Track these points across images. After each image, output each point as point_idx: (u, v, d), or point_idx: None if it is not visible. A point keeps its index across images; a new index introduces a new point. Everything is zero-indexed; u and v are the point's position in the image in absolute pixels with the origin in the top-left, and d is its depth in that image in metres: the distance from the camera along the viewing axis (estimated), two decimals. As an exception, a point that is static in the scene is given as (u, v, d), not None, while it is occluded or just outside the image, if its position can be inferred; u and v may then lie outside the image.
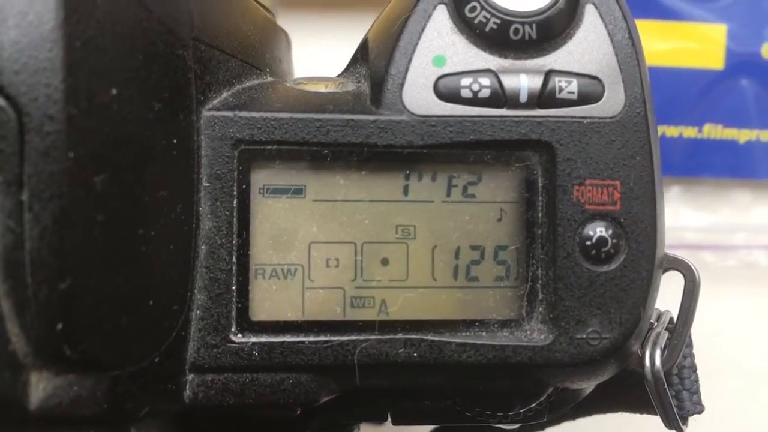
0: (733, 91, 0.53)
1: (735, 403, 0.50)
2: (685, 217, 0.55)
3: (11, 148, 0.18)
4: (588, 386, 0.28)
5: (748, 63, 0.53)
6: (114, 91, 0.20)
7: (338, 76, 0.29)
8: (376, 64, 0.26)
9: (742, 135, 0.53)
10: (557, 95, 0.25)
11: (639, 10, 0.52)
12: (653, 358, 0.27)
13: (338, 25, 0.50)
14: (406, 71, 0.25)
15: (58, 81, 0.19)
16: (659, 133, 0.52)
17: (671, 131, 0.53)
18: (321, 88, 0.27)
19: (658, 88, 0.53)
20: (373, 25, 0.28)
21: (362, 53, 0.28)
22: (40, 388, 0.20)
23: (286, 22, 0.35)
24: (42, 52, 0.19)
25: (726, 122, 0.53)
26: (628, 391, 0.29)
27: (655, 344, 0.27)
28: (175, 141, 0.23)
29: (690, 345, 0.30)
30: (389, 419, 0.28)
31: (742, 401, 0.51)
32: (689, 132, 0.53)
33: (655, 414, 0.28)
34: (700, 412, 0.29)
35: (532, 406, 0.27)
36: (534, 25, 0.25)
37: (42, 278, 0.19)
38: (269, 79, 0.28)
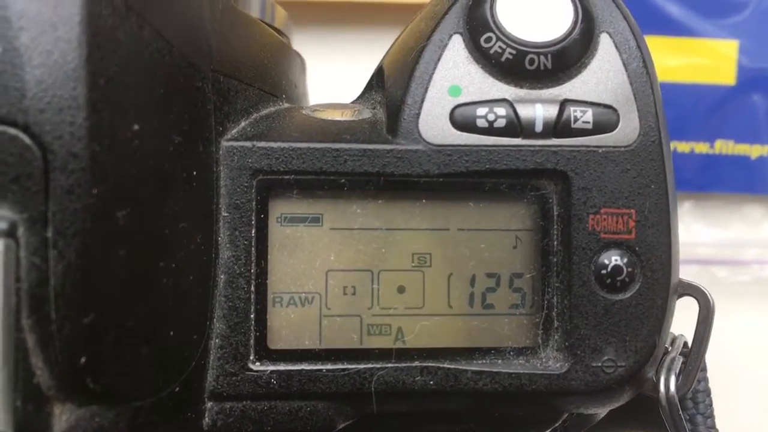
0: (744, 106, 0.53)
1: (748, 417, 0.50)
2: (697, 232, 0.55)
3: (36, 186, 0.19)
4: (603, 412, 0.28)
5: (760, 78, 0.53)
6: (136, 127, 0.21)
7: (353, 102, 0.29)
8: (392, 93, 0.26)
9: (754, 150, 0.53)
10: (572, 125, 0.25)
11: (651, 27, 0.52)
12: (668, 384, 0.27)
13: (351, 42, 0.50)
14: (422, 101, 0.25)
15: (82, 119, 0.19)
16: (671, 149, 0.53)
17: (683, 147, 0.53)
18: (337, 116, 0.27)
19: (670, 104, 0.53)
20: (388, 52, 0.29)
21: (378, 80, 0.28)
22: (63, 419, 0.20)
23: (300, 39, 0.35)
24: (66, 91, 0.19)
25: (738, 138, 0.54)
26: (641, 413, 0.29)
27: (669, 370, 0.27)
28: (195, 173, 0.23)
29: (704, 369, 0.30)
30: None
31: (755, 416, 0.51)
32: (701, 148, 0.53)
33: (669, 435, 0.28)
34: (714, 437, 0.30)
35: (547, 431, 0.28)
36: (549, 56, 0.25)
37: (66, 313, 0.19)
38: (285, 105, 0.28)
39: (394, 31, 0.29)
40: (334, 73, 0.43)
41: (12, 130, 0.19)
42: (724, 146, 0.53)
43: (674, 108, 0.53)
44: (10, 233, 0.19)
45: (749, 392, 0.51)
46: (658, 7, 0.52)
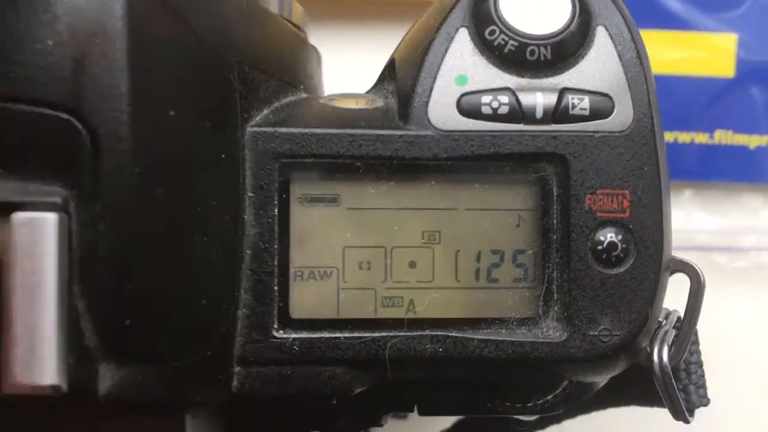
0: (743, 98, 0.54)
1: (745, 401, 0.51)
2: (697, 220, 0.56)
3: (86, 166, 0.21)
4: (600, 380, 0.30)
5: (759, 71, 0.54)
6: (172, 113, 0.23)
7: (367, 92, 0.31)
8: (403, 82, 0.28)
9: (753, 141, 0.55)
10: (570, 111, 0.27)
11: (651, 21, 0.54)
12: (661, 354, 0.28)
13: (364, 37, 0.52)
14: (431, 90, 0.27)
15: (125, 105, 0.21)
16: (672, 139, 0.54)
17: (683, 137, 0.55)
18: (352, 105, 0.29)
19: (671, 95, 0.54)
20: (399, 45, 0.31)
21: (390, 71, 0.30)
22: (108, 377, 0.22)
23: (315, 34, 0.37)
24: (111, 80, 0.21)
25: (737, 128, 0.55)
26: (639, 387, 0.31)
27: (662, 341, 0.29)
28: (223, 156, 0.25)
29: (696, 342, 0.31)
30: (416, 410, 0.30)
31: (752, 399, 0.52)
32: (701, 138, 0.55)
33: (664, 407, 0.30)
34: (705, 405, 0.31)
35: (549, 398, 0.29)
36: (549, 47, 0.27)
37: (112, 281, 0.21)
38: (304, 95, 0.30)
39: (404, 26, 0.31)
40: (347, 66, 0.44)
41: (63, 116, 0.21)
42: (723, 136, 0.55)
43: (675, 100, 0.54)
44: (64, 208, 0.21)
45: (748, 375, 0.52)
46: (658, 1, 0.54)
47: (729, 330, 0.52)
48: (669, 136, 0.54)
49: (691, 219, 0.56)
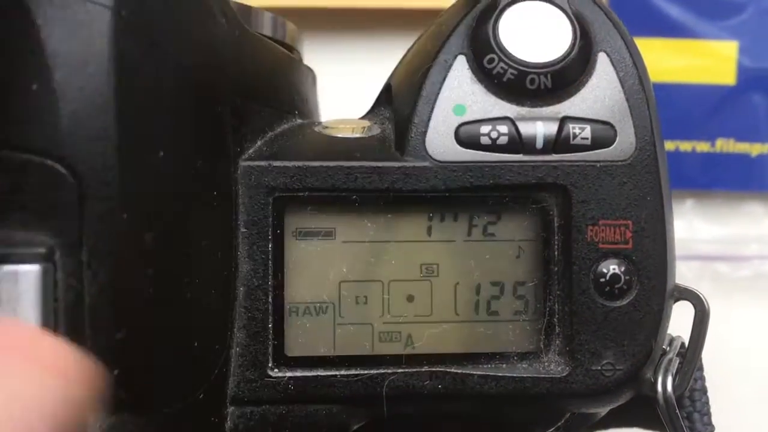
0: (744, 106, 0.54)
1: (747, 410, 0.51)
2: (698, 229, 0.56)
3: (72, 213, 0.20)
4: (603, 411, 0.29)
5: (760, 78, 0.54)
6: (161, 153, 0.22)
7: (363, 117, 0.31)
8: (399, 111, 0.28)
9: (754, 149, 0.55)
10: (572, 141, 0.27)
11: (652, 29, 0.53)
12: (665, 384, 0.28)
13: (359, 48, 0.51)
14: (429, 119, 0.27)
15: (112, 149, 0.21)
16: (673, 148, 0.54)
17: (684, 146, 0.54)
18: (348, 133, 0.28)
19: (672, 104, 0.54)
20: (395, 70, 0.30)
21: (386, 97, 0.30)
22: (97, 426, 0.21)
23: (308, 45, 0.36)
24: (97, 123, 0.21)
25: (738, 136, 0.55)
26: (640, 409, 0.31)
27: (666, 370, 0.28)
28: (215, 192, 0.24)
29: (701, 368, 0.31)
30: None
31: (754, 409, 0.52)
32: (702, 146, 0.55)
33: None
34: (710, 433, 0.31)
35: (550, 431, 0.29)
36: (549, 75, 0.26)
37: (100, 330, 0.21)
38: (298, 121, 0.30)
39: (402, 36, 0.31)
40: (342, 79, 0.44)
41: (48, 161, 0.20)
42: (724, 145, 0.54)
43: (676, 108, 0.54)
44: (48, 258, 0.20)
45: (749, 386, 0.52)
46: (659, 9, 0.53)
47: (731, 340, 0.52)
48: (670, 145, 0.54)
49: (693, 228, 0.56)
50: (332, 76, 0.40)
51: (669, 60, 0.53)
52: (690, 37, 0.53)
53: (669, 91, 0.54)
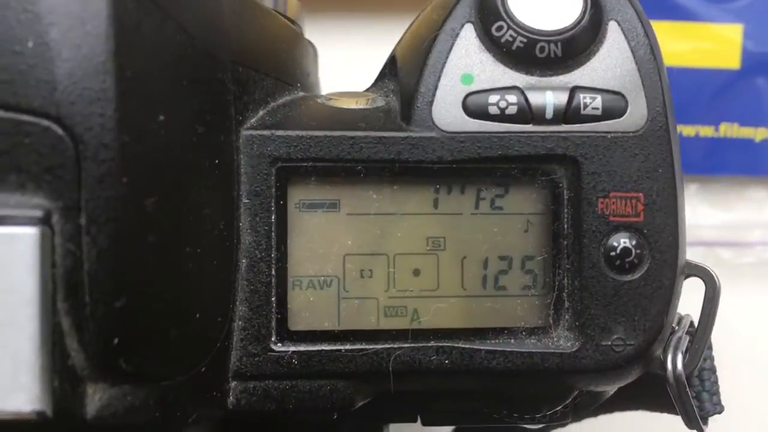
0: (749, 90, 0.54)
1: (751, 397, 0.51)
2: (702, 214, 0.55)
3: (69, 176, 0.20)
4: (612, 389, 0.29)
5: (765, 62, 0.53)
6: (162, 117, 0.21)
7: (367, 90, 0.30)
8: (405, 81, 0.27)
9: (758, 133, 0.54)
10: (582, 111, 0.26)
11: (655, 12, 0.52)
12: (675, 363, 0.28)
13: (361, 28, 0.51)
14: (436, 89, 0.26)
15: (111, 110, 0.20)
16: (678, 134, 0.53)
17: (688, 131, 0.54)
18: (352, 104, 0.28)
19: (675, 88, 0.53)
20: (400, 41, 0.29)
21: (391, 69, 0.29)
22: (96, 398, 0.21)
23: (311, 25, 0.35)
24: (95, 83, 0.20)
25: (742, 121, 0.54)
26: (649, 391, 0.30)
27: (676, 348, 0.28)
28: (216, 161, 0.24)
29: (710, 347, 0.31)
30: (419, 420, 0.29)
31: (759, 395, 0.51)
32: (706, 131, 0.54)
33: (675, 413, 0.29)
34: (720, 412, 0.30)
35: (558, 408, 0.28)
36: (559, 43, 0.26)
37: (99, 297, 0.20)
38: (300, 94, 0.29)
39: (405, 18, 0.30)
40: (344, 59, 0.43)
41: (45, 122, 0.19)
42: (728, 129, 0.54)
43: (679, 92, 0.53)
44: (45, 221, 0.19)
45: (753, 370, 0.51)
46: (662, -9, 0.52)
47: (735, 326, 0.52)
48: (673, 130, 0.53)
49: (696, 213, 0.56)
50: (333, 57, 0.39)
51: (672, 43, 0.53)
52: (694, 20, 0.53)
53: (673, 75, 0.53)
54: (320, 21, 0.45)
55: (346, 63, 0.43)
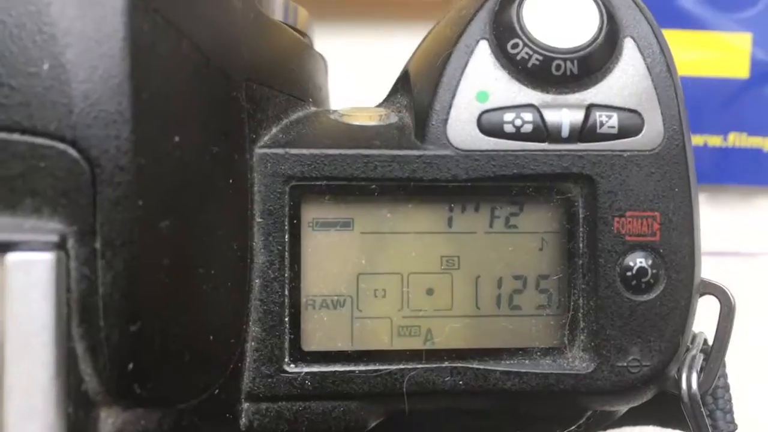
0: (758, 99, 0.53)
1: (761, 408, 0.50)
2: (710, 224, 0.55)
3: (85, 199, 0.19)
4: (625, 408, 0.29)
5: (774, 72, 0.53)
6: (177, 138, 0.21)
7: (379, 105, 0.30)
8: (419, 98, 0.27)
9: (767, 143, 0.54)
10: (598, 129, 0.26)
11: (664, 21, 0.52)
12: (690, 382, 0.27)
13: (371, 37, 0.50)
14: (450, 107, 0.26)
15: (127, 132, 0.20)
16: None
17: (696, 140, 0.54)
18: (365, 121, 0.27)
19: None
20: (413, 56, 0.29)
21: (404, 84, 0.29)
22: (109, 422, 0.21)
23: (320, 35, 0.35)
24: (112, 105, 0.20)
25: (750, 131, 0.54)
26: (660, 406, 0.30)
27: (691, 367, 0.27)
28: (231, 181, 0.23)
29: (724, 365, 0.30)
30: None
31: (766, 407, 0.51)
32: (714, 141, 0.54)
33: (687, 429, 0.29)
34: (733, 431, 0.30)
35: (572, 428, 0.28)
36: (575, 61, 0.26)
37: (114, 321, 0.20)
38: (312, 109, 0.29)
39: (413, 26, 0.30)
40: (354, 67, 0.43)
41: (61, 145, 0.19)
42: (737, 139, 0.54)
43: (687, 102, 0.53)
44: (61, 245, 0.19)
45: (761, 383, 0.51)
46: (672, 0, 0.52)
47: (743, 337, 0.51)
48: (682, 139, 0.53)
49: (704, 223, 0.55)
50: (343, 66, 0.39)
51: (682, 52, 0.52)
52: (703, 29, 0.53)
53: (681, 85, 0.53)
54: (330, 29, 0.44)
55: (356, 71, 0.43)
